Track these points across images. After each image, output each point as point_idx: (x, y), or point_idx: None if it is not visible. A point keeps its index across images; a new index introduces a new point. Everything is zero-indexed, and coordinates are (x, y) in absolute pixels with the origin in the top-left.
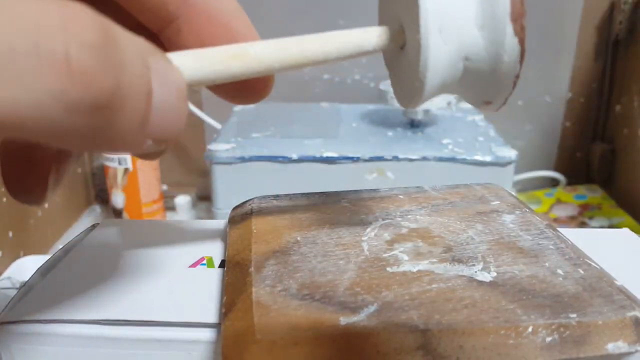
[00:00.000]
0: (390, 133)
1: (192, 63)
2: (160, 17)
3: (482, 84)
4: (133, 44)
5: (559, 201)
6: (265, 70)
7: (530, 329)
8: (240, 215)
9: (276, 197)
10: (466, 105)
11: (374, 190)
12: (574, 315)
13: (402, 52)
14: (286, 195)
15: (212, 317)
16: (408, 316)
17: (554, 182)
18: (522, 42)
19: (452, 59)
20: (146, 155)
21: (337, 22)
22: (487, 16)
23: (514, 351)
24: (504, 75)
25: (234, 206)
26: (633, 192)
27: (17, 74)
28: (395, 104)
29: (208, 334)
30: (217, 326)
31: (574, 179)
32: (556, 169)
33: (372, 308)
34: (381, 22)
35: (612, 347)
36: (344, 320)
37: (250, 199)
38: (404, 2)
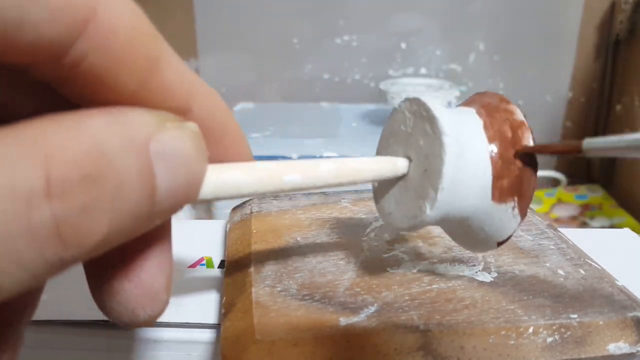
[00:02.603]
0: None
1: (215, 181)
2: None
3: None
4: (128, 143)
5: (559, 201)
6: (292, 191)
7: (531, 330)
8: (240, 216)
9: (276, 197)
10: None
11: None
12: (574, 316)
13: (402, 180)
14: (286, 195)
15: (211, 317)
16: (408, 317)
17: (554, 182)
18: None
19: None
20: None
21: (337, 23)
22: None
23: (514, 352)
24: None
25: (233, 206)
26: (634, 191)
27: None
28: (395, 104)
29: (208, 335)
30: (216, 327)
31: (574, 179)
32: (557, 169)
33: (372, 308)
34: (381, 153)
35: (613, 348)
36: (344, 320)
37: (250, 199)
38: (424, 143)
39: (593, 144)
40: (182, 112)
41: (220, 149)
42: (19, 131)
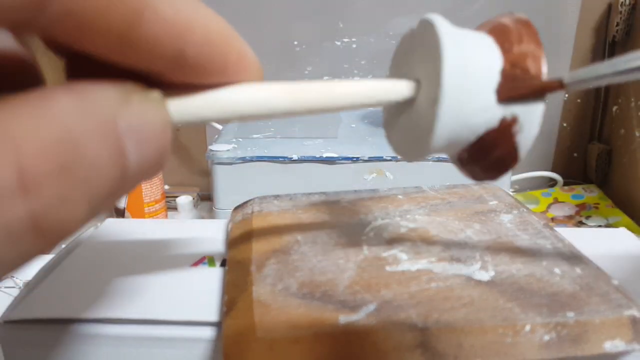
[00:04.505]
0: None
1: (193, 109)
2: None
3: None
4: (97, 126)
5: (556, 201)
6: (285, 116)
7: (528, 328)
8: (242, 215)
9: (276, 197)
10: None
11: (373, 190)
12: (571, 314)
13: (410, 106)
14: (286, 195)
15: (213, 315)
16: (407, 315)
17: (551, 182)
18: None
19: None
20: None
21: (337, 25)
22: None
23: (512, 350)
24: None
25: (235, 206)
26: (629, 191)
27: None
28: None
29: (209, 332)
30: (218, 324)
31: (571, 179)
32: (553, 169)
33: (371, 307)
34: (392, 76)
35: (609, 346)
36: (343, 318)
37: (251, 199)
38: (426, 60)
39: (574, 76)
40: (174, 59)
41: (224, 77)
42: None
